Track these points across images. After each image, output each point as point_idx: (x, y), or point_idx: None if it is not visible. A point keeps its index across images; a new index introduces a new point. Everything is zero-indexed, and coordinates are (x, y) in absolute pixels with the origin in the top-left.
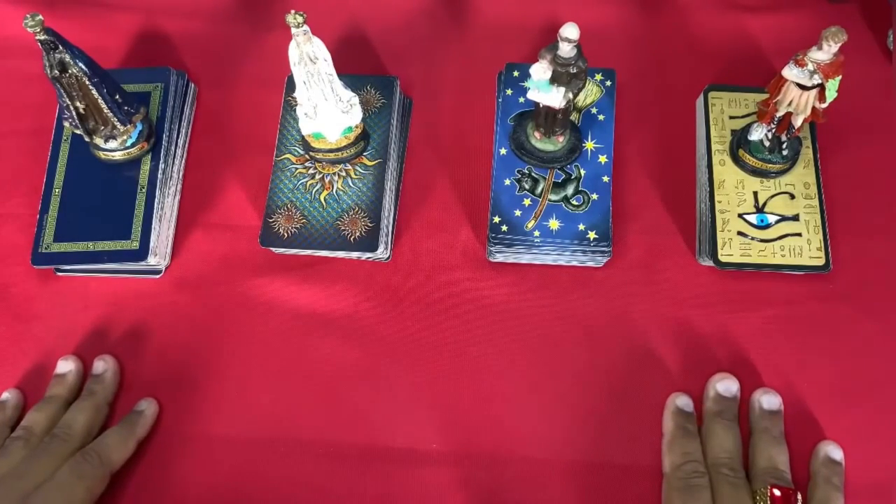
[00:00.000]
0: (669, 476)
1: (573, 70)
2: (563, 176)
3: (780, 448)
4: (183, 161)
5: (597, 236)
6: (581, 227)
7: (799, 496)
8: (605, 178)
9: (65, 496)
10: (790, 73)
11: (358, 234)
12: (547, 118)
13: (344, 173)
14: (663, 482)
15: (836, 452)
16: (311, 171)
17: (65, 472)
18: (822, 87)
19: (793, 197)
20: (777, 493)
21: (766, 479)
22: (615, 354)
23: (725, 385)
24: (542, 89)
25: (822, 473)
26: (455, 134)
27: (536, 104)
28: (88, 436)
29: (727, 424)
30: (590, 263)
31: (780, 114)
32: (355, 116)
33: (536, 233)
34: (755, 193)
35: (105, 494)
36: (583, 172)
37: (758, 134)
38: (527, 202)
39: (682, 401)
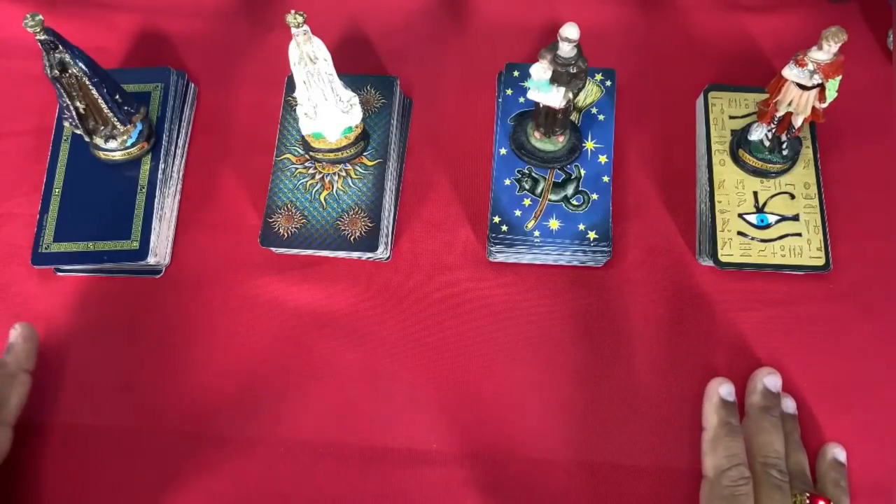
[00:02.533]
0: (713, 481)
1: (573, 70)
2: (563, 176)
3: (804, 454)
4: (183, 161)
5: (597, 236)
6: (581, 227)
7: None
8: (605, 178)
9: None
10: (790, 73)
11: (358, 234)
12: (547, 118)
13: (344, 173)
14: (704, 485)
15: (842, 454)
16: (311, 171)
17: None
18: (822, 87)
19: (793, 197)
20: (820, 503)
21: (798, 485)
22: (615, 354)
23: (772, 380)
24: (542, 89)
25: (830, 476)
26: (455, 134)
27: (536, 104)
28: (2, 409)
29: (775, 422)
30: (590, 263)
31: (780, 114)
32: (355, 116)
33: (536, 233)
34: (755, 193)
35: (104, 494)
36: (583, 172)
37: (758, 134)
38: (527, 202)
39: (726, 389)
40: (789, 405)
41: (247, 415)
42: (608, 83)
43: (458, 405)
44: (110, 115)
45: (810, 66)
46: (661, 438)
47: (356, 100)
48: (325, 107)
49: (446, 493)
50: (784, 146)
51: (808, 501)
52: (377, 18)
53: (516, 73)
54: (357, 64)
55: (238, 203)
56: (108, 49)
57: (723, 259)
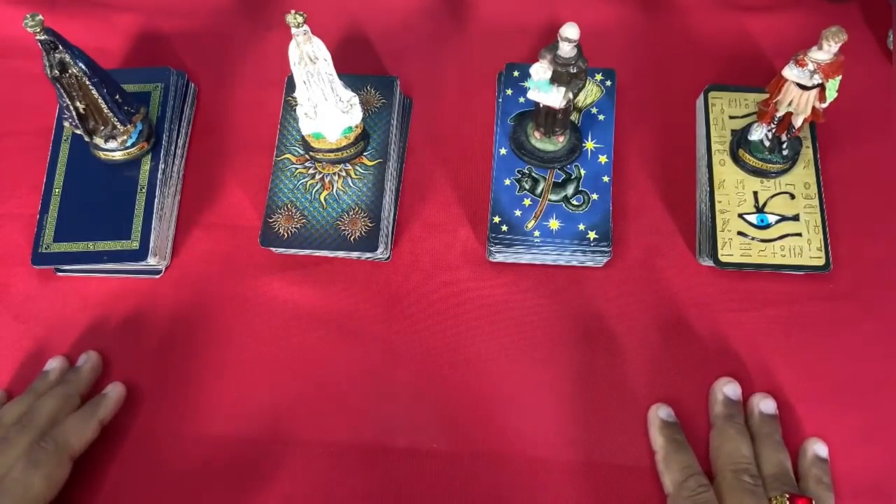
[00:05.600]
0: (674, 496)
1: (573, 70)
2: (563, 176)
3: (785, 453)
4: (183, 161)
5: (597, 236)
6: (581, 227)
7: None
8: (605, 178)
9: (20, 488)
10: (790, 73)
11: (358, 234)
12: (547, 118)
13: (344, 173)
14: (668, 502)
15: (823, 450)
16: (311, 171)
17: (20, 463)
18: (822, 87)
19: (793, 197)
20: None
21: (779, 486)
22: (615, 354)
23: (732, 388)
24: (542, 89)
25: (812, 473)
26: (455, 134)
27: (536, 104)
28: (53, 424)
29: (740, 428)
30: (590, 263)
31: (780, 114)
32: (355, 116)
33: (536, 233)
34: (755, 193)
35: (102, 496)
36: (583, 172)
37: (758, 134)
38: (527, 202)
39: (664, 411)
40: (769, 406)
41: (246, 415)
42: (608, 83)
43: (458, 405)
44: (110, 115)
45: (810, 66)
46: None
47: (356, 100)
48: (325, 107)
49: (446, 493)
50: (784, 146)
51: (787, 502)
52: (377, 19)
53: (516, 73)
54: (357, 64)
55: (238, 203)
56: (108, 49)
57: (723, 259)
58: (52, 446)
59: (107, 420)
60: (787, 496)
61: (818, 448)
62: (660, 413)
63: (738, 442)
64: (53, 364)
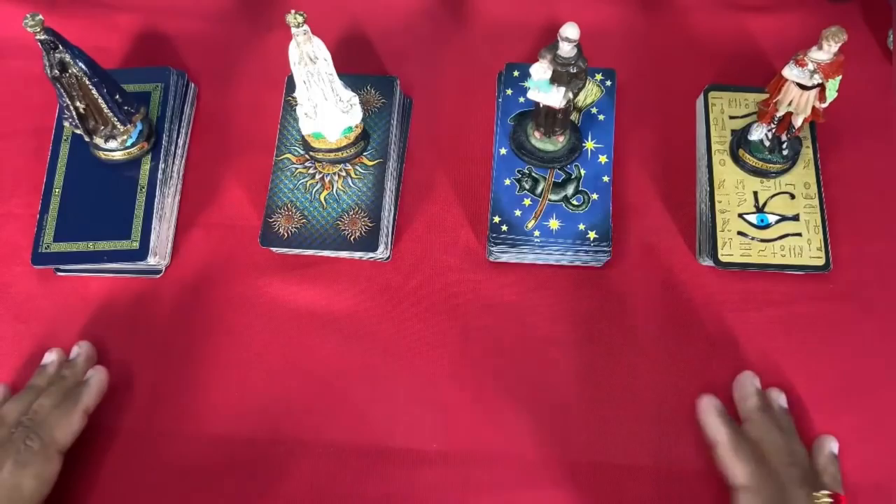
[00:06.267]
0: (758, 486)
1: (573, 70)
2: (563, 176)
3: (802, 445)
4: (183, 161)
5: (597, 236)
6: (581, 227)
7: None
8: (605, 178)
9: (11, 490)
10: (790, 73)
11: (358, 234)
12: (547, 118)
13: (344, 173)
14: (742, 496)
15: (836, 446)
16: (311, 171)
17: (8, 466)
18: (822, 87)
19: (793, 197)
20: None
21: (811, 481)
22: (615, 354)
23: (758, 381)
24: (542, 89)
25: (829, 471)
26: (455, 134)
27: (536, 104)
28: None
29: (776, 421)
30: (590, 263)
31: (780, 114)
32: (355, 116)
33: (536, 233)
34: (755, 193)
35: (103, 496)
36: (583, 172)
37: (758, 134)
38: (527, 202)
39: (718, 402)
40: (784, 400)
41: (246, 414)
42: (608, 83)
43: (458, 405)
44: (110, 115)
45: (810, 66)
46: (661, 438)
47: (356, 100)
48: (325, 107)
49: (446, 493)
50: (784, 146)
51: (828, 499)
52: (377, 19)
53: (516, 73)
54: (357, 64)
55: (238, 203)
56: (108, 49)
57: (723, 259)
58: (38, 444)
59: (91, 408)
60: (828, 494)
61: (833, 445)
62: (715, 404)
63: (775, 434)
64: (51, 357)
